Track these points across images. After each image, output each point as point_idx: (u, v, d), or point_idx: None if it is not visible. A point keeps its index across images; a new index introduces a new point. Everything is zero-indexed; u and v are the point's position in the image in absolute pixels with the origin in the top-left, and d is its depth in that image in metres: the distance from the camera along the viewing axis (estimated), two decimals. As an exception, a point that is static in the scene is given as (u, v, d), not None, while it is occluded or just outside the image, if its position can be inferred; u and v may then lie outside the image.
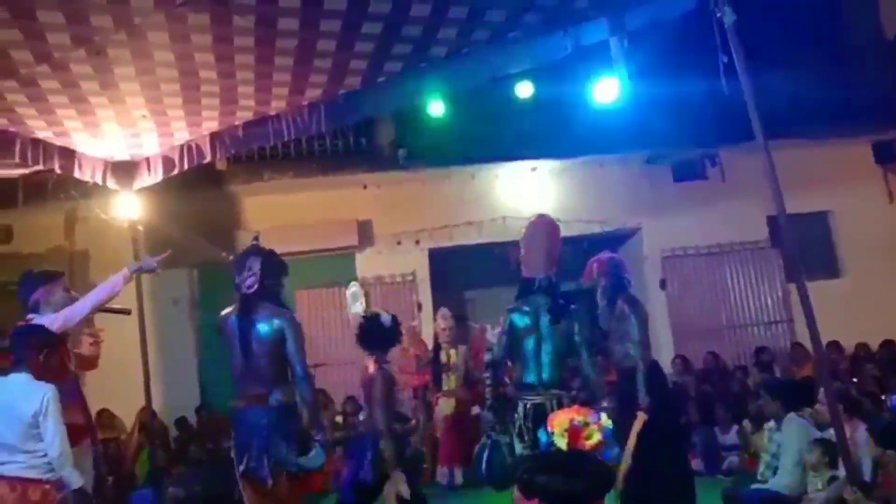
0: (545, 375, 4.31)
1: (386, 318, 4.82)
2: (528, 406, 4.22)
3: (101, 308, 4.27)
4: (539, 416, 4.10)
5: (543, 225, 4.64)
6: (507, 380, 4.91)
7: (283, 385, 3.97)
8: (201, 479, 2.91)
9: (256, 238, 4.45)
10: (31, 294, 4.16)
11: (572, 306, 4.47)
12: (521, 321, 4.40)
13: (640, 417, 4.54)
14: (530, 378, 4.30)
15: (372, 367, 4.72)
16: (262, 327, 3.98)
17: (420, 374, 7.73)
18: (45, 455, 3.42)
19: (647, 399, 4.59)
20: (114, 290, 4.21)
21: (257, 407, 3.95)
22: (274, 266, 4.16)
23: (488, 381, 4.49)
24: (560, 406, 4.08)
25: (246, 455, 3.92)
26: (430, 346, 7.87)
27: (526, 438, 4.20)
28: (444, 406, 7.33)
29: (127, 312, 4.66)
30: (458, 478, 7.06)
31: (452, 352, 7.36)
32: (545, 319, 4.34)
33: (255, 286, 4.05)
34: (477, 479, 4.40)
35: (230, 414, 8.27)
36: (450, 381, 7.39)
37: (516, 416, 4.28)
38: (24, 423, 3.50)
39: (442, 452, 7.24)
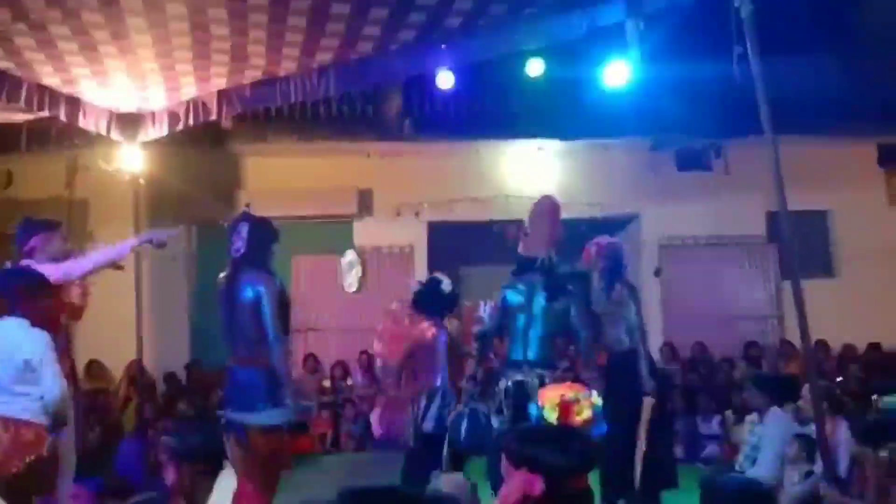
0: (531, 354, 4.37)
1: (446, 284, 5.02)
2: (510, 382, 4.30)
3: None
4: (520, 393, 4.21)
5: (549, 205, 4.71)
6: (492, 355, 4.98)
7: (263, 347, 4.02)
8: (196, 430, 2.93)
9: (248, 206, 4.51)
10: (28, 241, 4.17)
11: (569, 287, 4.53)
12: (515, 298, 4.46)
13: (649, 402, 4.62)
14: (517, 355, 4.39)
15: (430, 331, 4.85)
16: (245, 291, 4.05)
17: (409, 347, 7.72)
18: (39, 399, 3.46)
19: (653, 383, 4.71)
20: (119, 257, 4.26)
21: (244, 367, 4.07)
22: (263, 232, 4.22)
23: (475, 353, 4.62)
24: (542, 385, 4.15)
25: (227, 409, 4.05)
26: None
27: (504, 413, 4.26)
28: None
29: (120, 268, 4.67)
30: None
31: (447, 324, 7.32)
32: (540, 298, 4.40)
33: (243, 250, 4.13)
34: (453, 445, 4.48)
35: (220, 372, 8.38)
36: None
37: (496, 390, 4.38)
38: (17, 367, 3.53)
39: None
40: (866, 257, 9.55)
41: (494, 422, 4.30)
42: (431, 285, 5.09)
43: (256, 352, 4.03)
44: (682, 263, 9.85)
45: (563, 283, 4.50)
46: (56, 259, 4.10)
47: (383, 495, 0.91)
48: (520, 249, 4.71)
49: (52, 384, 3.45)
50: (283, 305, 4.10)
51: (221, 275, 4.25)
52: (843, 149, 9.54)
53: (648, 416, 4.73)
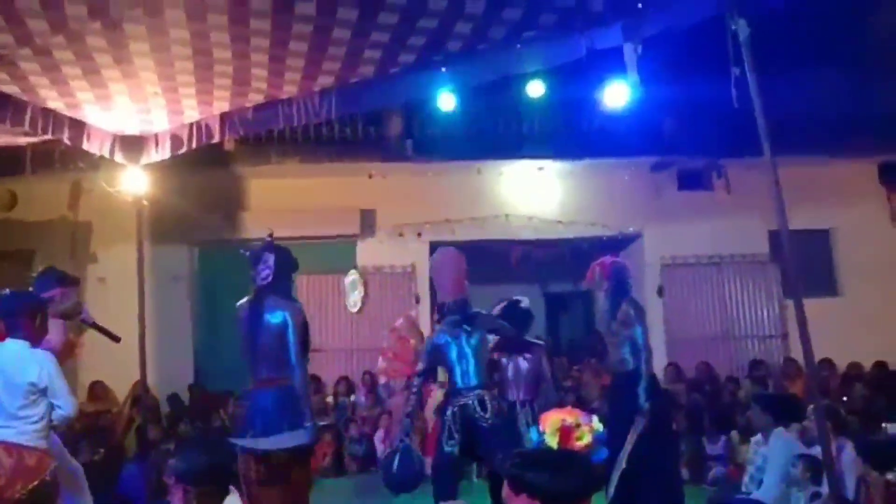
0: (467, 380, 4.79)
1: (525, 302, 5.52)
2: (455, 408, 4.71)
3: (94, 326, 4.74)
4: (465, 414, 4.68)
5: (450, 257, 5.11)
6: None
7: (287, 370, 4.20)
8: (203, 453, 2.93)
9: (271, 235, 4.59)
10: (50, 289, 4.20)
11: (478, 316, 5.03)
12: (442, 339, 4.92)
13: (638, 422, 4.64)
14: (456, 384, 4.81)
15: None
16: (270, 317, 4.26)
17: (414, 365, 7.68)
18: (39, 421, 3.46)
19: (647, 404, 4.77)
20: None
21: (265, 390, 4.23)
22: (286, 262, 4.47)
23: (414, 390, 4.96)
24: (482, 403, 4.69)
25: (250, 432, 4.14)
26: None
27: (456, 437, 4.68)
28: (439, 397, 7.32)
29: (117, 340, 4.86)
30: None
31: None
32: (462, 334, 4.86)
33: (269, 278, 4.34)
34: (386, 482, 4.83)
35: (223, 393, 8.34)
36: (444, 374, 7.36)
37: (445, 418, 4.75)
38: (23, 390, 3.54)
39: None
40: (869, 275, 9.54)
41: (447, 446, 4.68)
42: (514, 306, 5.44)
43: (279, 375, 4.20)
44: (684, 283, 9.85)
45: (474, 319, 4.96)
46: (65, 315, 4.12)
47: None
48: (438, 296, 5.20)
49: (65, 399, 3.55)
50: (304, 331, 4.30)
51: (244, 300, 4.43)
52: (844, 167, 9.57)
53: (635, 434, 4.70)
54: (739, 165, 9.16)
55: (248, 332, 4.33)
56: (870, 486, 4.18)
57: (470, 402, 4.70)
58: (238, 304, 4.48)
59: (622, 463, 4.63)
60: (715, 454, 7.31)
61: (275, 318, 4.24)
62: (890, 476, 4.01)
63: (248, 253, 4.53)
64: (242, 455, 4.09)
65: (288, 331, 4.20)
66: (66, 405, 3.62)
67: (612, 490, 4.70)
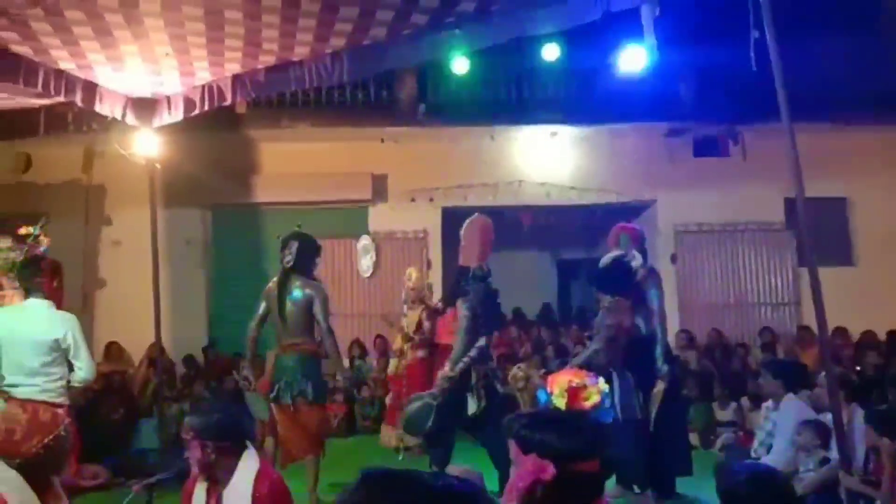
0: (489, 348, 5.23)
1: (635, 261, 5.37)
2: (479, 373, 5.07)
3: None
4: (488, 383, 5.06)
5: (480, 224, 5.35)
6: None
7: (307, 338, 5.15)
8: (220, 410, 2.98)
9: (299, 226, 5.41)
10: (50, 279, 4.15)
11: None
12: (481, 308, 5.11)
13: (660, 386, 4.73)
14: (483, 350, 5.10)
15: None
16: (296, 293, 5.14)
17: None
18: (60, 379, 3.52)
19: (666, 368, 4.97)
20: None
21: (288, 353, 5.11)
22: (309, 248, 5.25)
23: (468, 360, 5.05)
24: (496, 371, 5.17)
25: (277, 387, 5.04)
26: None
27: (482, 401, 5.00)
28: (392, 365, 7.24)
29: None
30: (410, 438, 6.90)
31: (411, 313, 7.16)
32: (478, 304, 5.09)
33: (291, 262, 5.16)
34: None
35: (236, 356, 8.44)
36: (400, 341, 7.21)
37: (470, 382, 5.06)
38: (46, 347, 3.59)
39: (393, 413, 7.10)
40: (885, 245, 9.44)
41: (472, 406, 4.99)
42: (621, 263, 5.29)
43: (299, 341, 5.11)
44: (698, 250, 9.80)
45: (494, 290, 5.22)
46: (59, 302, 4.12)
47: (407, 479, 0.91)
48: (460, 261, 5.35)
49: (86, 361, 3.63)
50: (327, 304, 5.19)
51: (273, 280, 5.28)
52: (863, 136, 9.41)
53: (660, 400, 4.78)
54: (756, 132, 9.03)
55: (275, 306, 5.13)
56: (879, 454, 4.18)
57: (489, 369, 5.10)
58: (266, 287, 5.30)
59: (651, 426, 4.73)
60: (725, 420, 7.34)
61: (300, 294, 5.12)
62: (900, 443, 4.00)
63: (279, 238, 5.38)
64: (273, 405, 5.03)
65: (314, 306, 5.09)
66: (87, 367, 3.70)
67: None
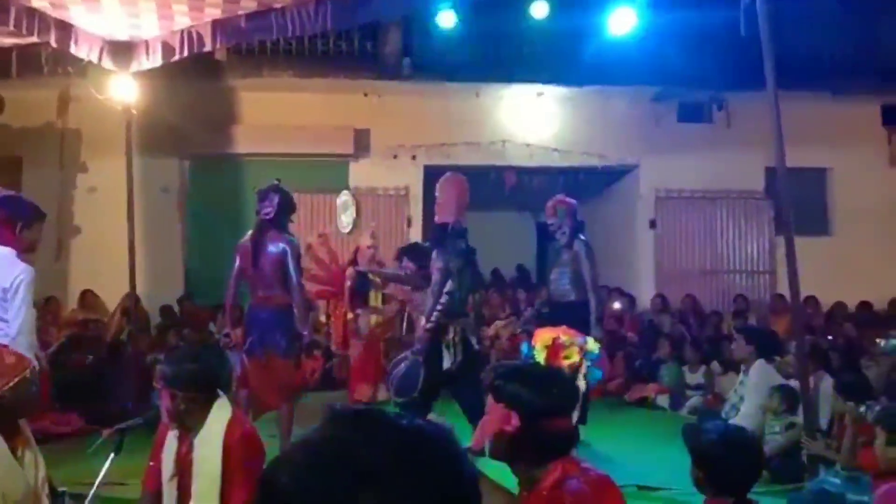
0: (464, 305, 5.20)
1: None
2: (456, 328, 5.03)
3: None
4: (464, 338, 5.04)
5: (461, 180, 5.37)
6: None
7: (280, 291, 5.07)
8: (192, 359, 2.97)
9: (279, 180, 5.33)
10: (22, 219, 3.92)
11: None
12: (458, 262, 5.13)
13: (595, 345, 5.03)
14: (456, 306, 5.08)
15: None
16: (271, 247, 5.07)
17: (335, 282, 7.47)
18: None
19: (600, 332, 5.51)
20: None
21: (262, 305, 5.10)
22: (288, 202, 5.21)
23: (441, 308, 5.01)
24: (471, 328, 5.18)
25: (250, 339, 5.06)
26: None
27: (454, 352, 5.02)
28: (371, 321, 7.27)
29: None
30: (381, 393, 6.92)
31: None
32: (458, 260, 5.11)
33: (270, 214, 5.09)
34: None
35: (213, 307, 8.40)
36: (376, 298, 7.34)
37: (447, 336, 5.03)
38: (2, 294, 3.52)
39: (367, 370, 7.20)
40: (863, 217, 9.54)
41: (446, 362, 4.97)
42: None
43: (273, 294, 5.07)
44: (677, 216, 9.85)
45: (472, 248, 5.23)
46: (26, 249, 3.82)
47: (375, 418, 0.90)
48: (435, 218, 5.36)
49: (13, 317, 3.41)
50: (299, 260, 5.17)
51: (248, 233, 5.23)
52: (847, 107, 9.42)
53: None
54: (741, 99, 9.01)
55: (250, 259, 5.08)
56: (843, 419, 4.29)
57: (466, 326, 5.12)
58: (239, 242, 5.25)
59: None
60: (694, 384, 7.48)
61: (274, 248, 5.06)
62: (862, 409, 4.11)
63: (256, 190, 5.31)
64: (245, 357, 5.06)
65: (287, 259, 5.03)
66: (11, 326, 3.46)
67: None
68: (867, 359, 6.40)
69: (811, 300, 8.46)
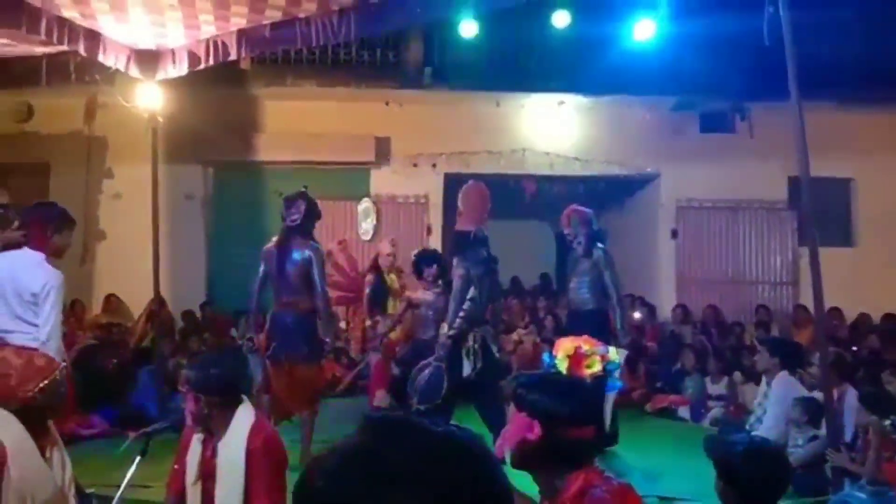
0: (483, 313, 5.31)
1: None
2: (476, 336, 5.15)
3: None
4: (484, 345, 5.17)
5: (483, 189, 5.51)
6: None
7: (304, 297, 5.12)
8: (216, 364, 3.01)
9: (306, 188, 5.46)
10: (55, 226, 3.97)
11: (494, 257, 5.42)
12: (480, 269, 5.26)
13: (622, 353, 4.99)
14: (477, 314, 5.21)
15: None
16: (296, 253, 5.13)
17: (355, 288, 7.47)
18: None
19: (629, 338, 5.61)
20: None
21: (285, 310, 5.15)
22: (314, 210, 5.28)
23: (463, 315, 5.14)
24: (491, 336, 5.24)
25: (273, 344, 5.09)
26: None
27: (474, 359, 5.08)
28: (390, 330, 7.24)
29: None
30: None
31: (393, 277, 7.22)
32: (481, 268, 5.24)
33: (297, 221, 5.16)
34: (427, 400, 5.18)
35: (235, 313, 8.46)
36: (394, 306, 7.29)
37: (467, 343, 5.16)
38: (26, 299, 3.59)
39: (385, 376, 7.14)
40: (887, 227, 9.41)
41: (467, 368, 5.05)
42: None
43: (297, 300, 5.11)
44: (699, 226, 9.79)
45: (493, 256, 5.35)
46: (55, 254, 3.95)
47: (409, 425, 0.92)
48: (457, 226, 5.49)
49: (44, 322, 3.48)
50: (323, 266, 5.28)
51: (273, 239, 5.30)
52: (871, 117, 9.32)
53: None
54: (764, 109, 8.95)
55: (274, 265, 5.14)
56: (868, 433, 4.24)
57: (486, 334, 5.17)
58: (264, 248, 5.31)
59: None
60: (716, 394, 7.41)
61: (297, 255, 5.12)
62: (887, 423, 4.06)
63: (283, 197, 5.39)
64: (268, 362, 5.10)
65: (312, 266, 5.09)
66: (41, 331, 3.51)
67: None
68: (889, 373, 6.31)
69: (835, 311, 8.37)
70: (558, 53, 9.09)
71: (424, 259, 6.22)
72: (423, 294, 6.07)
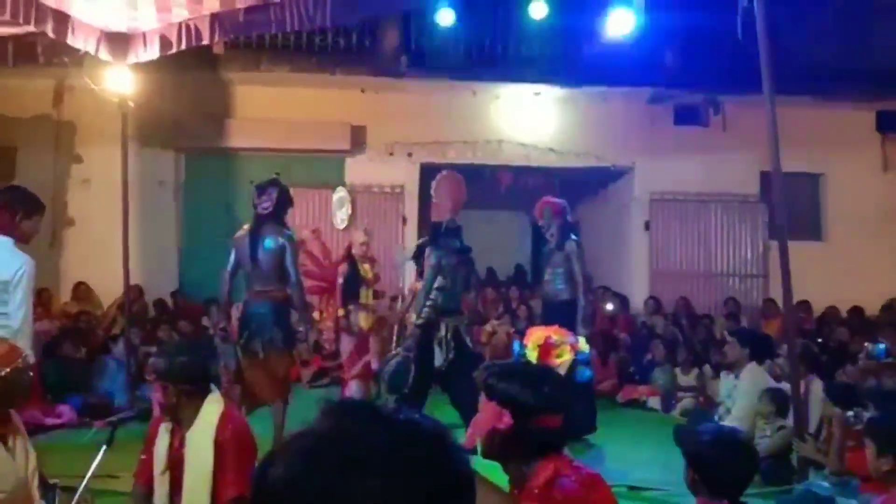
0: (456, 303, 5.32)
1: None
2: (448, 325, 5.15)
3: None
4: (457, 337, 5.17)
5: (458, 179, 5.52)
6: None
7: (278, 286, 5.04)
8: (184, 353, 2.98)
9: (278, 174, 5.40)
10: (24, 211, 3.87)
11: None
12: (451, 259, 5.26)
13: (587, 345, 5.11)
14: (448, 304, 5.23)
15: None
16: (269, 241, 5.02)
17: (328, 278, 7.42)
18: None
19: (588, 330, 5.59)
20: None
21: (258, 300, 5.05)
22: (286, 197, 5.18)
23: (430, 304, 5.18)
24: (465, 328, 5.25)
25: (245, 333, 5.01)
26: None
27: (446, 349, 5.12)
28: (363, 319, 7.22)
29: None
30: (371, 390, 6.96)
31: (367, 267, 7.19)
32: (453, 258, 5.25)
33: (269, 209, 5.05)
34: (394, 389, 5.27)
35: (206, 302, 8.37)
36: (367, 296, 7.25)
37: (439, 333, 5.19)
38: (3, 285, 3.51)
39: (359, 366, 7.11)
40: (856, 222, 9.58)
41: (438, 358, 5.08)
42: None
43: (271, 288, 5.02)
44: (671, 218, 9.87)
45: (464, 245, 5.37)
46: (21, 240, 3.76)
47: (371, 411, 0.91)
48: (432, 217, 5.52)
49: (15, 310, 3.38)
50: (297, 254, 5.19)
51: (245, 227, 5.19)
52: (842, 112, 9.47)
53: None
54: (738, 103, 9.03)
55: (247, 254, 5.04)
56: (832, 423, 4.32)
57: (459, 324, 5.16)
58: (235, 235, 5.20)
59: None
60: (686, 385, 7.50)
61: (270, 242, 5.00)
62: (850, 414, 4.14)
63: (254, 185, 5.25)
64: (240, 351, 5.03)
65: (287, 254, 5.00)
66: (13, 318, 3.40)
67: None
68: (852, 365, 6.42)
69: (803, 304, 8.50)
70: (535, 44, 9.10)
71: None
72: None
